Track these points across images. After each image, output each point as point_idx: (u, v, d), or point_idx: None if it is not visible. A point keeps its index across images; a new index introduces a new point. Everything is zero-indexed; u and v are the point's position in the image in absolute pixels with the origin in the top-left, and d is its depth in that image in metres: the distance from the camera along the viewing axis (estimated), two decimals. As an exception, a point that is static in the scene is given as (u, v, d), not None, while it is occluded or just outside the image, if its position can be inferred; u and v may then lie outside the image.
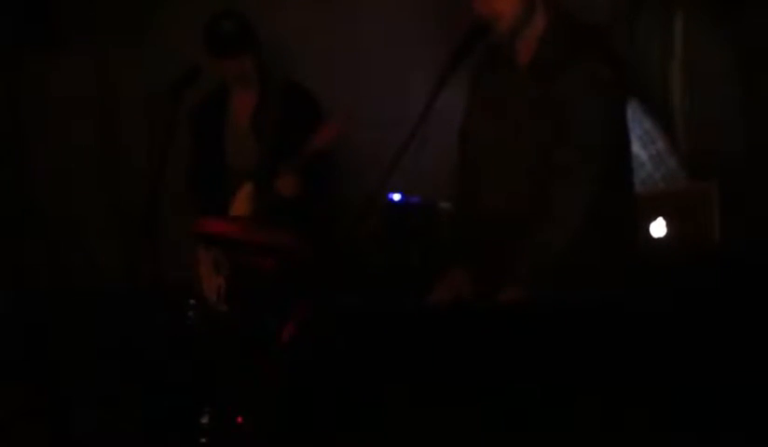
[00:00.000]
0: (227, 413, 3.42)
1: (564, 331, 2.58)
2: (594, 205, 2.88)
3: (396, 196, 4.29)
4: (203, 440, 3.53)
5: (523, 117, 2.96)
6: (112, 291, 4.69)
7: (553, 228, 2.86)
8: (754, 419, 2.64)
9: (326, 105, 4.19)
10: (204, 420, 3.55)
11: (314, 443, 2.81)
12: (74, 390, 4.23)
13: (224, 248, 3.89)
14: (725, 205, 3.95)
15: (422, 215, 4.25)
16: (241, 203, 4.01)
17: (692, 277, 3.60)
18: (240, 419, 3.24)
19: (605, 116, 2.92)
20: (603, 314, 2.63)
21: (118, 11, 4.89)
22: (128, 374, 4.12)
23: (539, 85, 2.95)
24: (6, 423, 3.99)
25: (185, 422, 3.61)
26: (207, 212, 4.05)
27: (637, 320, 2.69)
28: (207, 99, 4.19)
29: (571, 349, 2.58)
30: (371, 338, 2.81)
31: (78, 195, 5.01)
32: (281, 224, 3.84)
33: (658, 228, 3.95)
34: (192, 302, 3.94)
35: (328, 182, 4.07)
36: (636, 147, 4.05)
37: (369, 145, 4.55)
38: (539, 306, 2.72)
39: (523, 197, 2.95)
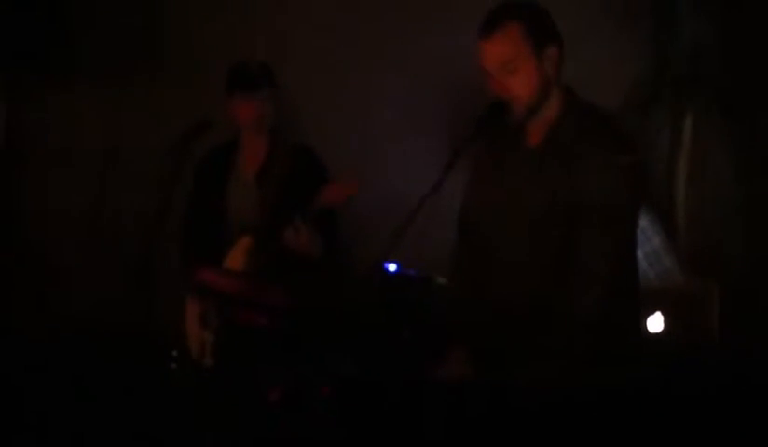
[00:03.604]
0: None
1: (561, 420, 2.56)
2: (607, 300, 2.86)
3: (392, 267, 4.27)
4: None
5: (535, 200, 2.95)
6: (100, 338, 4.64)
7: (569, 322, 2.84)
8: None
9: (330, 170, 4.19)
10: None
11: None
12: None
13: (217, 301, 3.85)
14: (724, 305, 3.95)
15: (418, 288, 4.22)
16: (238, 256, 3.97)
17: (689, 375, 3.58)
18: None
19: (620, 207, 2.91)
20: (601, 405, 2.61)
21: (131, 56, 4.90)
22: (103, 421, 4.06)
23: (551, 168, 2.94)
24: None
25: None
26: (199, 262, 4.02)
27: (633, 414, 2.67)
28: (215, 150, 4.18)
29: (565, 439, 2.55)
30: (363, 407, 2.78)
31: (74, 239, 4.99)
32: (278, 281, 3.81)
33: (655, 323, 3.94)
34: (174, 353, 3.90)
35: (335, 241, 4.03)
36: None
37: (366, 213, 4.57)
38: (537, 393, 2.69)
39: (531, 282, 2.93)
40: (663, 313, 3.94)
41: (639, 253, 4.17)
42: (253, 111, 4.04)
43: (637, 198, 2.97)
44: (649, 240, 4.24)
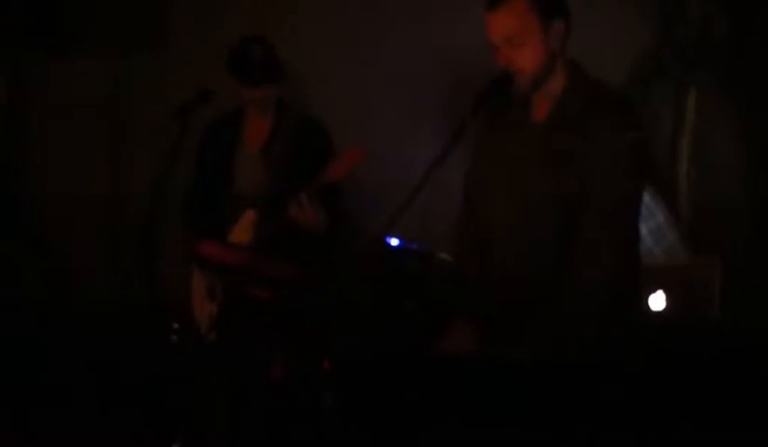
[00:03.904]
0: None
1: (557, 394, 2.56)
2: (612, 276, 2.85)
3: (394, 241, 4.25)
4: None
5: (537, 174, 2.94)
6: (101, 308, 4.65)
7: (573, 298, 2.83)
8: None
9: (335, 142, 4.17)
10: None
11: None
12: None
13: (221, 274, 3.84)
14: (726, 282, 3.94)
15: (420, 263, 4.21)
16: (242, 230, 3.95)
17: (689, 352, 3.58)
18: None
19: (626, 182, 2.89)
20: (600, 381, 2.62)
21: (134, 22, 4.87)
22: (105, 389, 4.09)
23: (556, 142, 2.93)
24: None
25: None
26: (203, 235, 4.00)
27: (634, 390, 2.68)
28: (220, 120, 4.14)
29: (574, 414, 2.56)
30: (364, 381, 2.78)
31: (77, 208, 4.98)
32: (281, 254, 3.79)
33: (657, 301, 3.93)
34: (176, 325, 3.89)
35: (339, 216, 4.01)
36: None
37: (369, 188, 4.56)
38: (542, 368, 2.69)
39: (535, 257, 2.92)
40: (665, 290, 3.93)
41: (644, 229, 4.16)
42: (255, 98, 4.01)
43: (641, 175, 2.96)
44: (653, 216, 4.22)
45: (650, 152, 3.00)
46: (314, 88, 4.74)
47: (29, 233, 4.95)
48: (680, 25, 4.57)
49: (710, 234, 4.45)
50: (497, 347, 2.85)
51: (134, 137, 4.96)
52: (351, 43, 4.83)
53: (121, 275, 4.81)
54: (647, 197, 4.21)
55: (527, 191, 2.95)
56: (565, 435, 2.59)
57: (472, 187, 3.16)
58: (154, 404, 3.78)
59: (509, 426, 2.63)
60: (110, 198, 4.98)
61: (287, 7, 4.84)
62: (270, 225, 3.87)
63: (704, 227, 4.50)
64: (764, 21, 4.48)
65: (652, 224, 4.21)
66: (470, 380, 2.68)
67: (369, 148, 4.11)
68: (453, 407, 2.70)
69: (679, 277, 4.01)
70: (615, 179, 2.86)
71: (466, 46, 4.23)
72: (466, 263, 3.13)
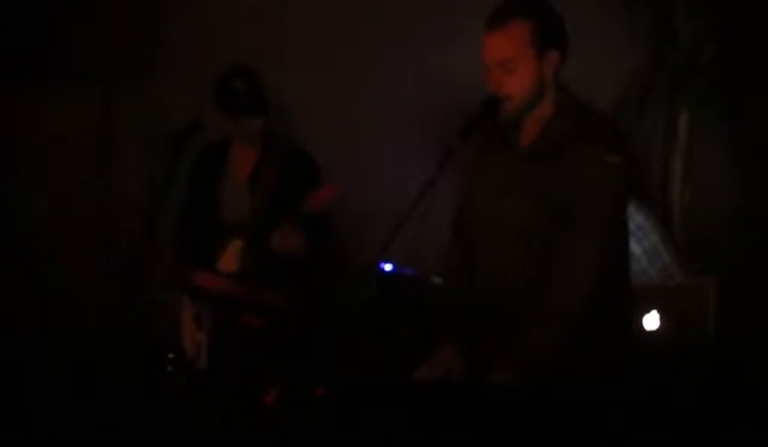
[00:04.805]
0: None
1: (552, 418, 2.55)
2: (592, 297, 2.84)
3: (388, 267, 4.25)
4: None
5: (524, 199, 2.93)
6: (95, 339, 4.63)
7: (550, 317, 2.82)
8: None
9: (324, 169, 4.16)
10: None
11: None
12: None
13: (212, 303, 3.83)
14: (721, 302, 3.93)
15: (414, 288, 4.20)
16: (230, 259, 3.95)
17: (683, 372, 3.57)
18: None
19: (609, 205, 2.89)
20: (593, 404, 2.60)
21: (123, 52, 4.88)
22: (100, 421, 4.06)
23: (542, 166, 2.92)
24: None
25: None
26: (193, 264, 4.00)
27: (625, 412, 2.66)
28: (208, 149, 4.12)
29: (558, 437, 2.54)
30: (354, 410, 2.76)
31: (69, 239, 4.98)
32: (270, 283, 3.78)
33: (651, 321, 3.92)
34: (171, 356, 3.88)
35: (323, 244, 4.00)
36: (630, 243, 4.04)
37: (363, 214, 4.56)
38: (528, 392, 2.67)
39: (520, 279, 2.91)
40: (660, 310, 3.92)
41: (638, 250, 4.15)
42: (240, 129, 4.00)
43: (622, 199, 2.95)
44: (647, 236, 4.22)
45: (636, 176, 3.00)
46: (305, 115, 4.75)
47: (20, 260, 4.93)
48: (671, 47, 4.58)
49: (704, 254, 4.44)
50: (478, 371, 2.84)
51: (126, 166, 4.96)
52: (342, 69, 4.84)
53: (113, 305, 4.80)
54: (641, 218, 4.21)
55: (511, 214, 2.94)
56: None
57: (461, 211, 3.15)
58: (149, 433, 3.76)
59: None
60: (102, 225, 4.98)
61: (277, 35, 4.85)
62: (255, 255, 3.86)
63: (698, 247, 4.49)
64: (752, 37, 4.49)
65: (647, 245, 4.20)
66: (459, 405, 2.66)
67: (359, 174, 4.11)
68: (446, 432, 2.68)
69: (674, 297, 4.00)
70: (595, 202, 2.85)
71: (457, 72, 4.24)
72: (453, 284, 3.12)
